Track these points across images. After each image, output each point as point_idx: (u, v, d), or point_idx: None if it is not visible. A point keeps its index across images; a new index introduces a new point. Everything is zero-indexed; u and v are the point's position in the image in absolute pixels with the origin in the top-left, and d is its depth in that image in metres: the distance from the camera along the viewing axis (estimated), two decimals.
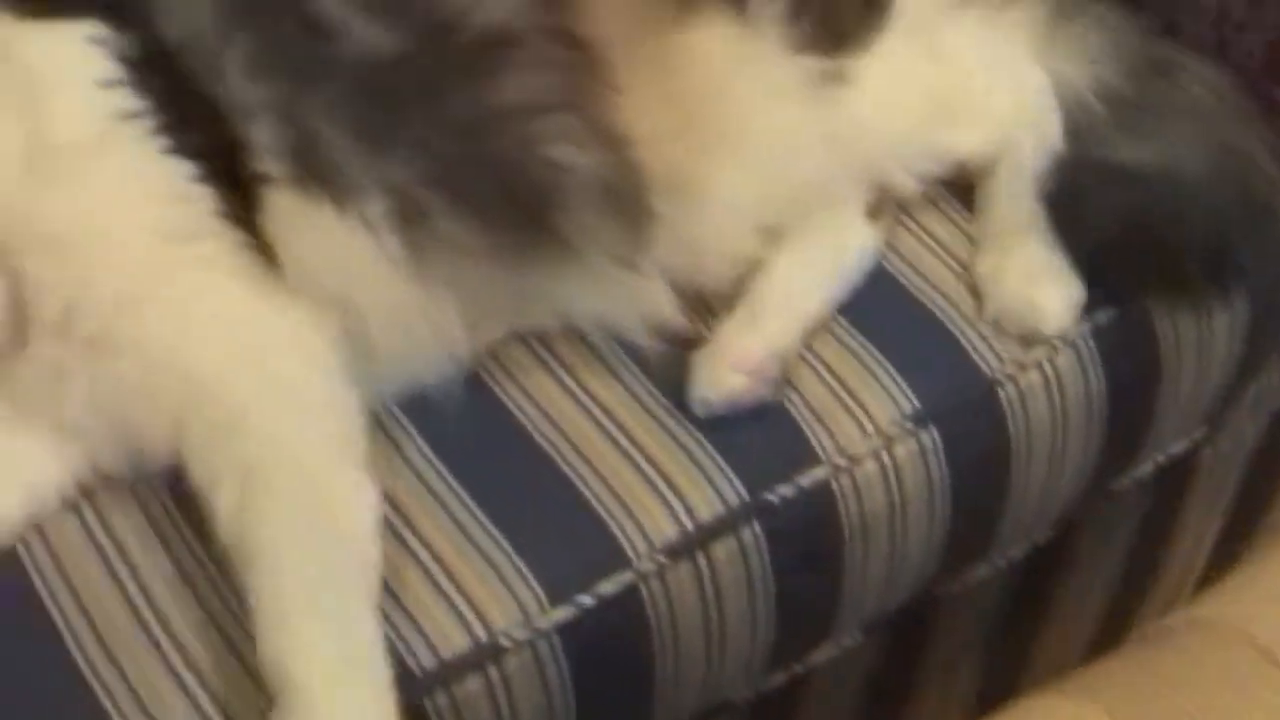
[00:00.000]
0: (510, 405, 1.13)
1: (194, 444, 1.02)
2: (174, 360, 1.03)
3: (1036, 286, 1.19)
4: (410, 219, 1.07)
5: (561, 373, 1.14)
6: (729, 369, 1.12)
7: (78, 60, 1.06)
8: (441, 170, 1.07)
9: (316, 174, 1.07)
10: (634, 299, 1.13)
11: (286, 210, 1.07)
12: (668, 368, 1.14)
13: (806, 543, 1.13)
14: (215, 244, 1.05)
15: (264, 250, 1.06)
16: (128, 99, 1.06)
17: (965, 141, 1.24)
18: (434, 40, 1.08)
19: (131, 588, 1.04)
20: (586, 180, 1.09)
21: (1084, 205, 1.19)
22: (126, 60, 1.07)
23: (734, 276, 1.16)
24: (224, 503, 1.00)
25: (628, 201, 1.10)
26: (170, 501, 1.06)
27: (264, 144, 1.07)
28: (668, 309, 1.13)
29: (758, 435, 1.12)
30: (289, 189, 1.07)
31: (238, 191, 1.07)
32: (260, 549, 0.99)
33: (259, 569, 0.99)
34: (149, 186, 1.05)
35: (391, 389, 1.11)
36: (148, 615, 1.03)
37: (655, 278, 1.12)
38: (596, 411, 1.12)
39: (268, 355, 1.05)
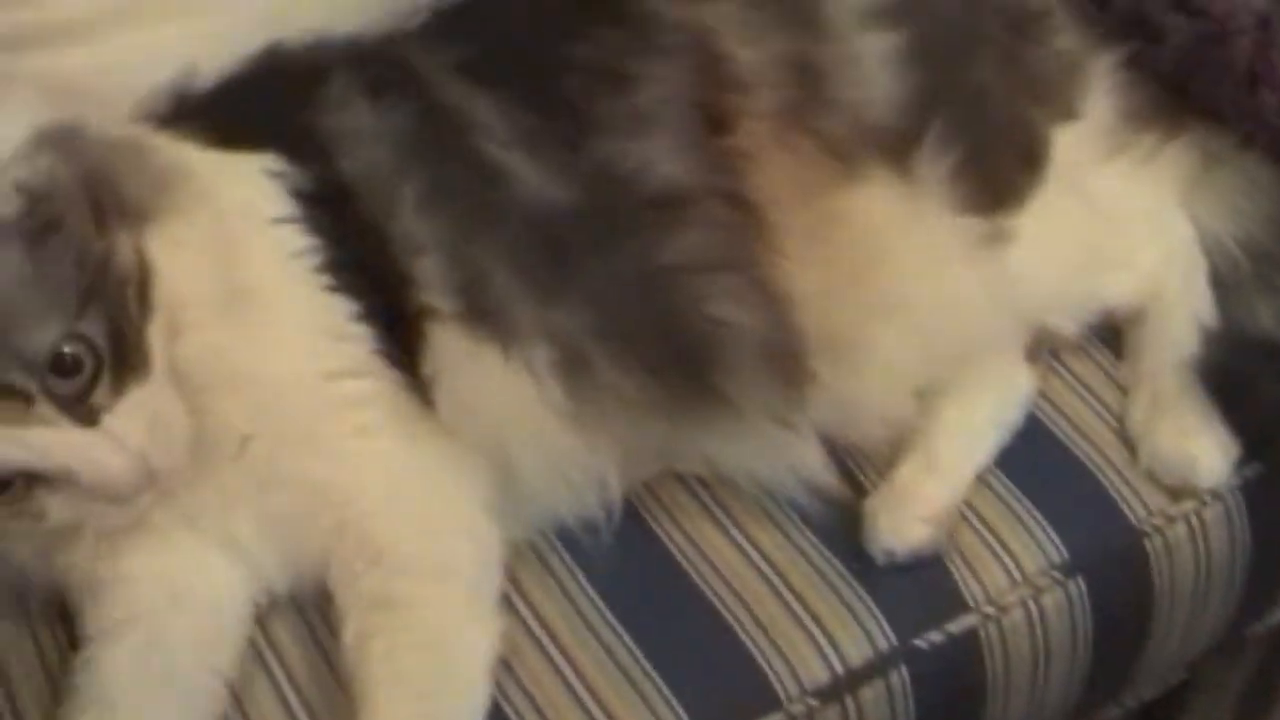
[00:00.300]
0: (665, 539, 1.16)
1: (337, 572, 1.07)
2: (327, 495, 1.08)
3: (1192, 440, 1.20)
4: (574, 369, 1.10)
5: (716, 509, 1.17)
6: (915, 519, 1.15)
7: (260, 199, 1.10)
8: (608, 323, 1.10)
9: (483, 313, 1.10)
10: (788, 457, 1.15)
11: (450, 348, 1.10)
12: (820, 508, 1.17)
13: (951, 689, 1.15)
14: (375, 383, 1.09)
15: (421, 388, 1.10)
16: (299, 236, 1.10)
17: (1117, 289, 1.26)
18: (606, 195, 1.11)
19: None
20: (748, 339, 1.11)
21: (1237, 383, 1.20)
22: (300, 194, 1.11)
23: (888, 436, 1.19)
24: (350, 630, 1.06)
25: (787, 361, 1.12)
26: None
27: (432, 280, 1.10)
28: (820, 467, 1.16)
29: (908, 581, 1.15)
30: (454, 326, 1.10)
31: (400, 328, 1.11)
32: (373, 682, 1.04)
33: (367, 703, 1.03)
34: (316, 326, 1.09)
35: (537, 525, 1.14)
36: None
37: (809, 437, 1.15)
38: (749, 549, 1.15)
39: (415, 496, 1.09)
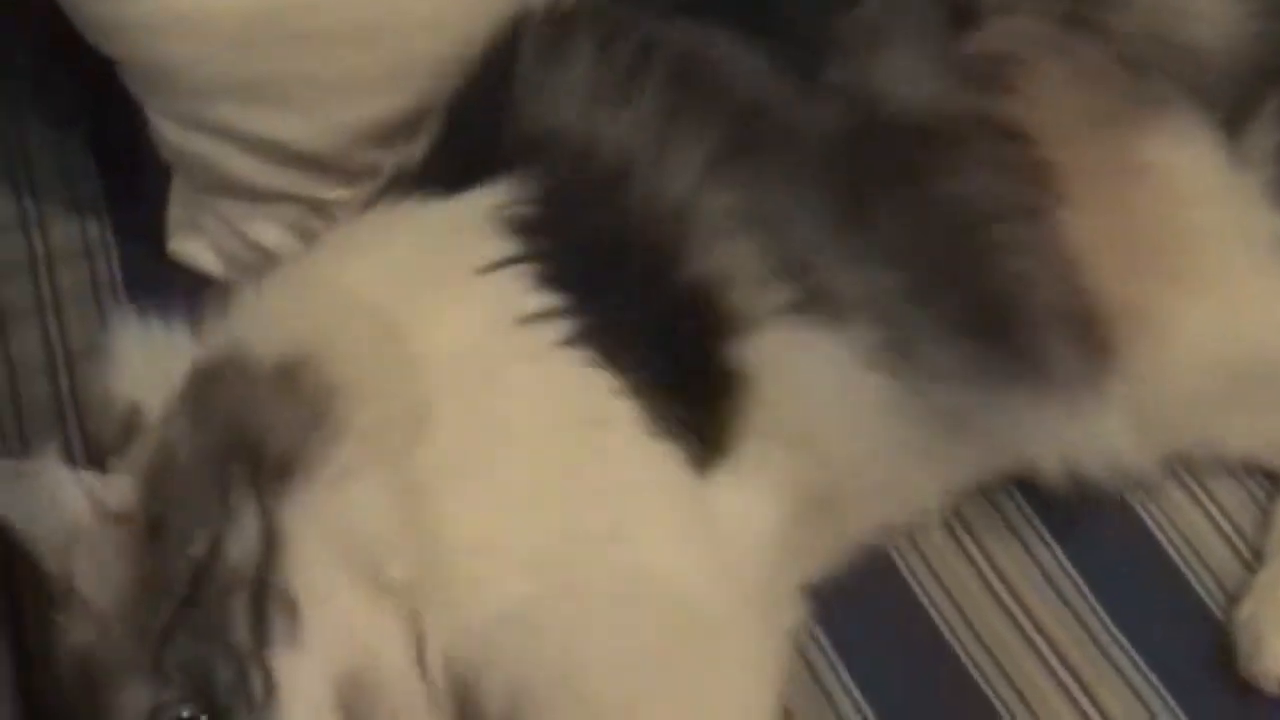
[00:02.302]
0: (945, 630, 0.99)
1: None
2: None
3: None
4: (900, 348, 0.93)
5: (1008, 598, 1.00)
6: None
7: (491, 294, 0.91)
8: (918, 281, 0.94)
9: (808, 291, 0.93)
10: (1096, 434, 0.98)
11: (772, 357, 0.92)
12: (1121, 591, 0.99)
13: None
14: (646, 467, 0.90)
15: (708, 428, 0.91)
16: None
17: None
18: (867, 125, 0.96)
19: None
20: (1045, 297, 0.96)
21: None
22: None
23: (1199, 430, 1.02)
24: None
25: (1088, 325, 0.97)
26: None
27: (747, 265, 0.92)
28: (1129, 449, 0.99)
29: (1223, 691, 0.96)
30: (778, 325, 0.92)
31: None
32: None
33: None
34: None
35: (835, 559, 0.97)
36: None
37: (1117, 414, 0.98)
38: (1043, 645, 0.98)
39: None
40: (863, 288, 0.94)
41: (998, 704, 0.95)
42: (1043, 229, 0.96)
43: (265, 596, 0.81)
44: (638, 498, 0.89)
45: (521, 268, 0.91)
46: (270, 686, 0.80)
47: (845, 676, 0.96)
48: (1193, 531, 1.02)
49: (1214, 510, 1.03)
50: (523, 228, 0.92)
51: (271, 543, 0.82)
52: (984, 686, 0.96)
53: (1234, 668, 0.96)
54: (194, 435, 0.85)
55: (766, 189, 0.94)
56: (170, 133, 1.08)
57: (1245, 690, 0.95)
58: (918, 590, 0.99)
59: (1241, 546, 1.01)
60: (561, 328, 0.89)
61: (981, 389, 0.96)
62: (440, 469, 0.85)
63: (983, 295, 0.96)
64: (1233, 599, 0.98)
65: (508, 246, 0.91)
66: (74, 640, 0.83)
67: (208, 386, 0.86)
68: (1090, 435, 0.98)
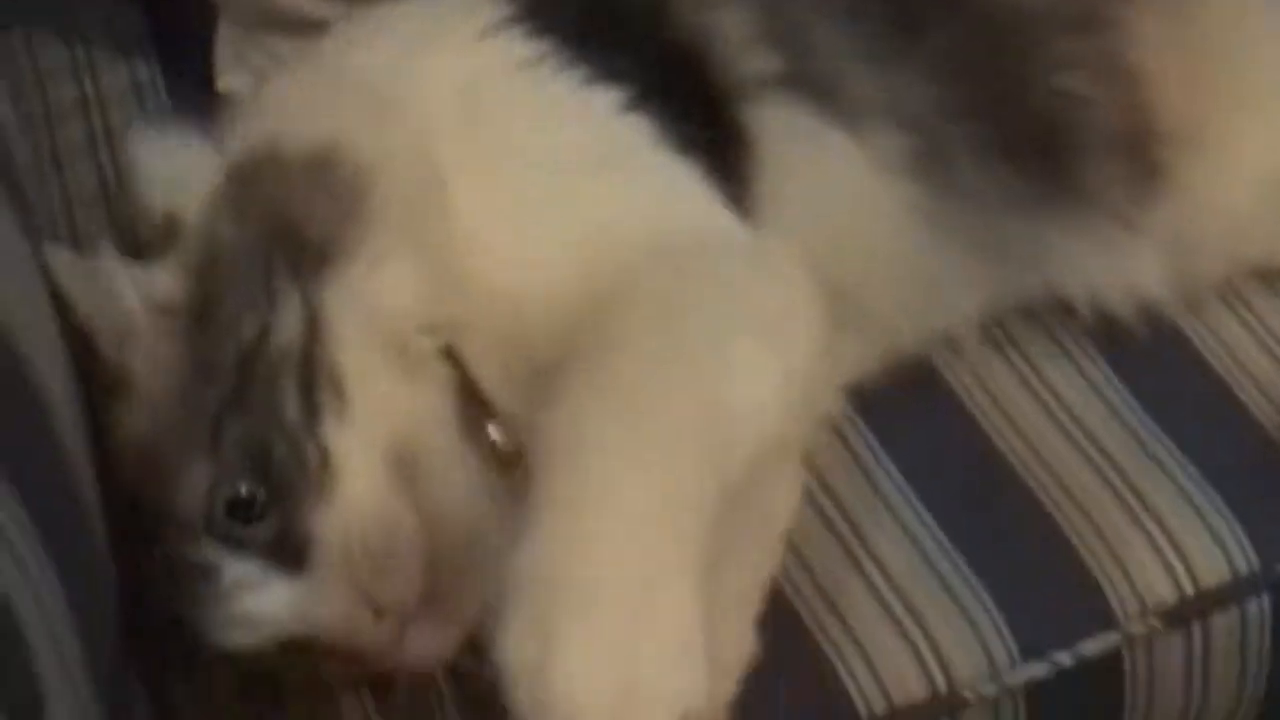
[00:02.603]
0: (996, 438, 0.98)
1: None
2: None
3: None
4: (934, 159, 0.93)
5: (1056, 407, 1.00)
6: None
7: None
8: (957, 96, 0.94)
9: (813, 79, 0.92)
10: (1128, 268, 0.99)
11: (781, 130, 0.92)
12: (1167, 401, 1.00)
13: None
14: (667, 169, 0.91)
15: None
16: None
17: None
18: None
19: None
20: (1099, 117, 0.96)
21: None
22: None
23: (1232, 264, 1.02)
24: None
25: (1139, 146, 0.97)
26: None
27: (739, 33, 0.92)
28: (1158, 283, 0.99)
29: (1278, 498, 0.96)
30: (782, 99, 0.92)
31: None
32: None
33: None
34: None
35: (868, 367, 0.97)
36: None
37: (1152, 245, 0.98)
38: (1094, 453, 0.98)
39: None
40: (888, 94, 0.93)
41: (1046, 501, 0.95)
42: (1106, 41, 0.96)
43: (312, 376, 0.83)
44: (661, 183, 0.90)
45: (517, 27, 0.92)
46: (325, 459, 0.82)
47: (890, 466, 0.96)
48: (1236, 344, 1.02)
49: (1255, 324, 1.03)
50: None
51: (314, 326, 0.84)
52: (1031, 485, 0.96)
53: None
54: (235, 228, 0.86)
55: None
56: None
57: None
58: (964, 398, 0.99)
59: None
60: (560, 66, 0.90)
61: (1016, 214, 0.96)
62: (463, 229, 0.87)
63: (1030, 116, 0.96)
64: (1277, 407, 0.99)
65: (504, 10, 0.92)
66: (131, 429, 0.84)
67: (245, 183, 0.87)
68: (1121, 270, 0.99)
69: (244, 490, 0.81)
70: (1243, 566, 0.94)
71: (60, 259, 0.85)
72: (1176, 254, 1.00)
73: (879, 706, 0.89)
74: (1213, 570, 0.94)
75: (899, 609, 0.92)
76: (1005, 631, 0.91)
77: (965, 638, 0.91)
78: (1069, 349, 1.02)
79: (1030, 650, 0.91)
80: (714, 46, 0.92)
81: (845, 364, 0.96)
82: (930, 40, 0.95)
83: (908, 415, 0.98)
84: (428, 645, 0.82)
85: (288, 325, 0.83)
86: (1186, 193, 0.98)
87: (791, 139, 0.92)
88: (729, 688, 0.86)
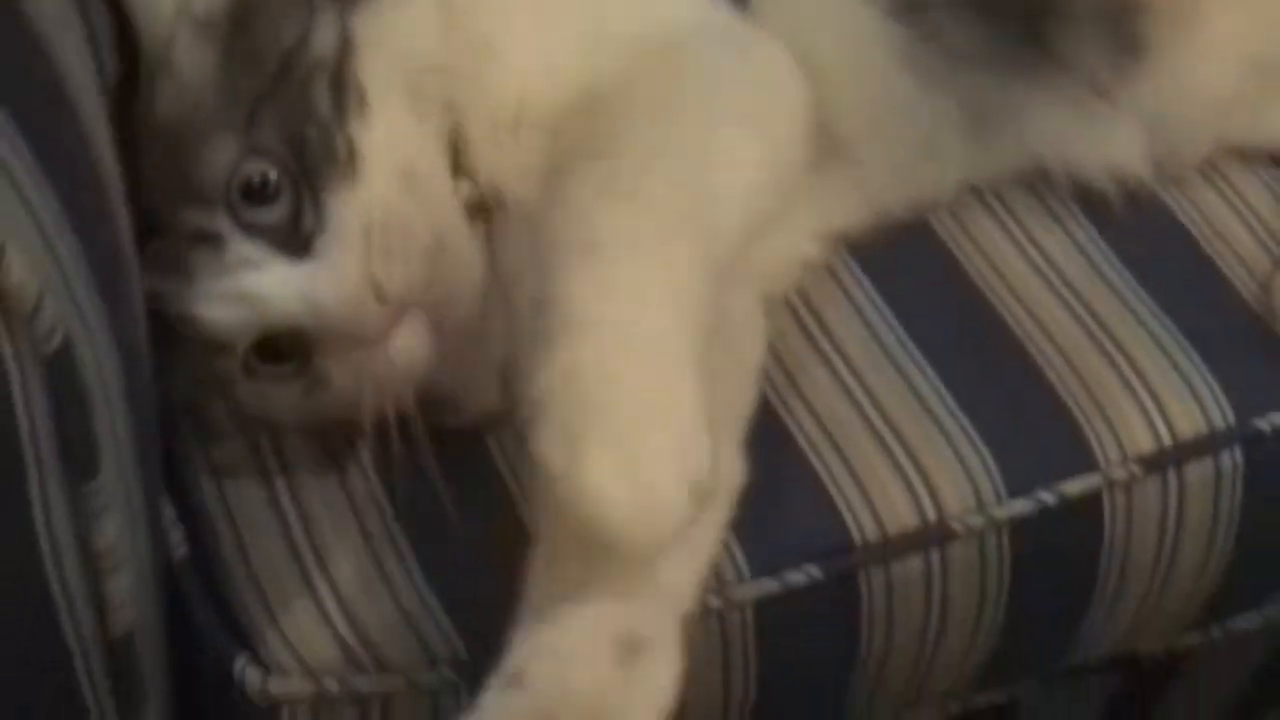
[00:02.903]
0: (985, 289, 1.02)
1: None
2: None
3: None
4: (913, 8, 0.97)
5: (1043, 265, 1.03)
6: None
7: None
8: None
9: None
10: (1107, 141, 1.03)
11: None
12: (1150, 266, 1.04)
13: None
14: None
15: None
16: None
17: None
18: None
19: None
20: None
21: None
22: None
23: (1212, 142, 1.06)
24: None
25: (1119, 17, 1.00)
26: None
27: None
28: (1136, 159, 1.03)
29: (1253, 358, 1.01)
30: None
31: None
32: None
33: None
34: None
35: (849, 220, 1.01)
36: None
37: (1131, 121, 1.02)
38: (1079, 308, 1.01)
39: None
40: None
41: (1033, 349, 0.99)
42: None
43: (343, 84, 0.88)
44: None
45: None
46: (351, 151, 0.87)
47: (884, 309, 1.00)
48: (1215, 216, 1.06)
49: (1234, 198, 1.07)
50: None
51: (347, 45, 0.89)
52: (1019, 334, 0.99)
53: (1255, 328, 1.01)
54: None
55: None
56: None
57: (1271, 347, 1.01)
58: (955, 250, 1.03)
59: (1261, 233, 1.06)
60: None
61: (995, 73, 1.00)
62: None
63: None
64: (1256, 276, 1.03)
65: None
66: (166, 107, 0.88)
67: None
68: (1100, 143, 1.03)
69: (266, 172, 0.85)
70: (1218, 420, 0.98)
71: None
72: (1156, 131, 1.04)
73: (872, 533, 0.93)
74: (1189, 422, 0.98)
75: (891, 440, 0.95)
76: (993, 468, 0.95)
77: (954, 472, 0.95)
78: (1056, 212, 1.05)
79: (1016, 487, 0.95)
80: None
81: (833, 210, 1.00)
82: None
83: (901, 263, 1.02)
84: (416, 341, 0.86)
85: (324, 39, 0.89)
86: (1167, 69, 1.02)
87: None
88: (725, 510, 0.89)
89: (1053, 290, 1.02)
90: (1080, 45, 1.01)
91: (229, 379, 0.88)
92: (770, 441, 0.93)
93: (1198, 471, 0.98)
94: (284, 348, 0.87)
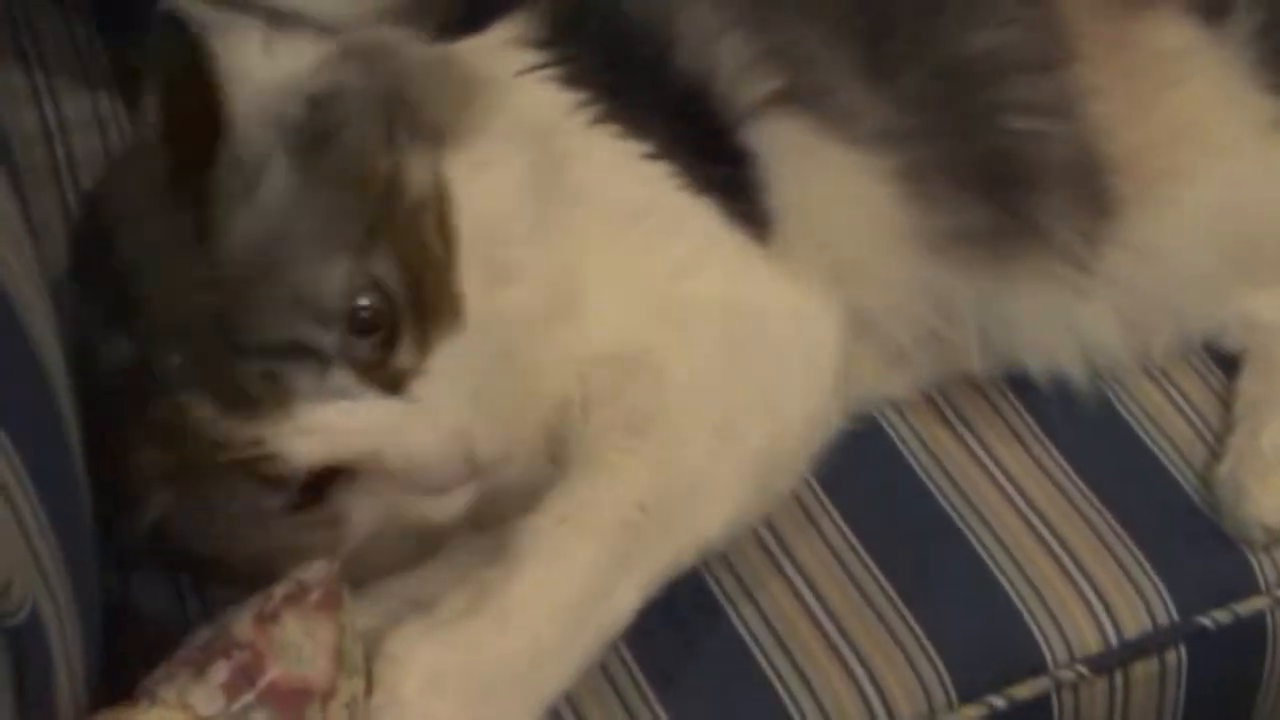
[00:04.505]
0: (921, 474, 1.05)
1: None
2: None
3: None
4: (914, 179, 1.00)
5: (989, 462, 1.06)
6: None
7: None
8: (929, 123, 1.01)
9: (810, 90, 0.99)
10: (1081, 320, 1.06)
11: (785, 141, 0.99)
12: (1093, 462, 1.06)
13: (1227, 676, 1.04)
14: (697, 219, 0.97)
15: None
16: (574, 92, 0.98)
17: None
18: None
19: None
20: (1055, 154, 1.03)
21: None
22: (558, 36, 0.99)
23: (1186, 329, 1.10)
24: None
25: (1093, 185, 1.04)
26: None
27: (739, 59, 0.99)
28: (1113, 341, 1.07)
29: (1196, 554, 1.03)
30: (783, 112, 0.99)
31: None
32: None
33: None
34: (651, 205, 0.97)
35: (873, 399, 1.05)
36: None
37: (1105, 301, 1.06)
38: (1022, 505, 1.04)
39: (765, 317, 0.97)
40: (875, 107, 1.00)
41: (986, 558, 1.01)
42: (1059, 84, 1.03)
43: (446, 229, 0.87)
44: (697, 233, 0.97)
45: (547, 72, 0.97)
46: (459, 300, 0.87)
47: (833, 512, 1.02)
48: (1157, 411, 1.09)
49: (1177, 396, 1.10)
50: (540, 44, 0.99)
51: (441, 189, 0.88)
52: (968, 535, 1.02)
53: (1196, 523, 1.04)
54: (359, 77, 0.89)
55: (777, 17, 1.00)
56: None
57: (1211, 543, 1.04)
58: (907, 455, 1.05)
59: (1199, 424, 1.09)
60: (598, 117, 0.96)
61: (984, 245, 1.03)
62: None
63: (992, 150, 1.03)
64: (1196, 471, 1.06)
65: (533, 57, 0.98)
66: (246, 229, 0.84)
67: (364, 54, 0.91)
68: (1075, 323, 1.06)
69: (377, 305, 0.84)
70: (1162, 618, 1.01)
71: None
72: (1129, 311, 1.07)
73: None
74: (1135, 621, 1.00)
75: (843, 646, 0.96)
76: (944, 675, 0.96)
77: (906, 678, 0.96)
78: (999, 406, 1.08)
79: (967, 693, 0.97)
80: (717, 77, 0.99)
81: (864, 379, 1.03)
82: (902, 73, 1.02)
83: (852, 465, 1.03)
84: (464, 503, 0.86)
85: (421, 180, 0.88)
86: (1137, 235, 1.05)
87: (794, 146, 0.99)
88: None
89: (998, 487, 1.04)
90: (1053, 218, 1.03)
91: (263, 518, 0.86)
92: (722, 652, 0.96)
93: (1143, 670, 1.00)
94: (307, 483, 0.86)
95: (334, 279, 0.83)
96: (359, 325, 0.84)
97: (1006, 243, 1.03)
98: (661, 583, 0.88)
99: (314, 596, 0.81)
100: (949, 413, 1.08)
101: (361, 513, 0.86)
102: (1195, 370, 1.11)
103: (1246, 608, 1.02)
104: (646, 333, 0.93)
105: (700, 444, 0.90)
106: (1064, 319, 1.05)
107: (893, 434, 1.06)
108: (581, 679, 0.87)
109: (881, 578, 0.99)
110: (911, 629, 0.98)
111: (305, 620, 0.80)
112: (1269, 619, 1.03)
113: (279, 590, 0.81)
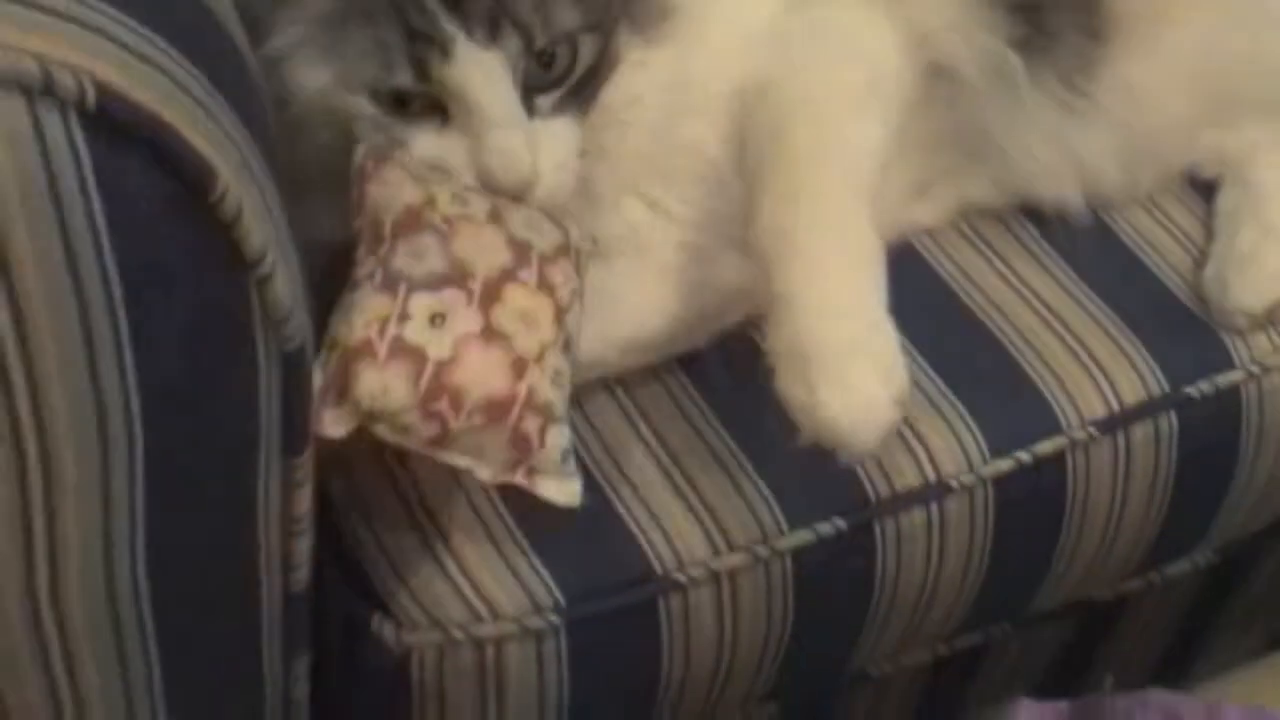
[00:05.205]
0: (959, 293, 1.23)
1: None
2: None
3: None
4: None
5: (1007, 272, 1.24)
6: (1269, 277, 1.22)
7: None
8: None
9: None
10: (1081, 148, 1.22)
11: None
12: (1096, 272, 1.25)
13: (1209, 442, 1.22)
14: None
15: None
16: None
17: None
18: None
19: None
20: None
21: None
22: None
23: (1168, 164, 1.27)
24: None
25: (1087, 8, 1.20)
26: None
27: None
28: (1109, 170, 1.24)
29: (1182, 339, 1.22)
30: None
31: None
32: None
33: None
34: None
35: None
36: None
37: (1100, 132, 1.22)
38: (1036, 304, 1.22)
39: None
40: None
41: (1005, 343, 1.20)
42: None
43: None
44: None
45: None
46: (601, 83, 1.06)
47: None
48: (1147, 231, 1.29)
49: (1164, 219, 1.30)
50: None
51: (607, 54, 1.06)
52: (994, 330, 1.20)
53: (1183, 315, 1.23)
54: None
55: None
56: None
57: (1195, 330, 1.23)
58: (939, 270, 1.24)
59: (1184, 240, 1.28)
60: None
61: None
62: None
63: None
64: (1183, 276, 1.26)
65: None
66: None
67: None
68: (1075, 150, 1.23)
69: (564, 52, 1.03)
70: (1155, 388, 1.20)
71: None
72: (1120, 144, 1.24)
73: (883, 490, 1.14)
74: (1133, 391, 1.20)
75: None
76: (978, 433, 1.16)
77: (948, 436, 1.15)
78: (1016, 231, 1.27)
79: (997, 448, 1.16)
80: None
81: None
82: None
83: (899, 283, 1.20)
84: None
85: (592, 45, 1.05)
86: (1123, 69, 1.22)
87: None
88: None
89: (1015, 291, 1.23)
90: (1063, 25, 1.20)
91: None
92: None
93: (1141, 432, 1.19)
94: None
95: (559, 22, 1.01)
96: (545, 59, 1.02)
97: (1026, 54, 1.18)
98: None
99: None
100: (974, 237, 1.26)
101: (422, 148, 1.01)
102: (1179, 199, 1.31)
103: (1225, 380, 1.22)
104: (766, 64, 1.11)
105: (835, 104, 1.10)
106: (1066, 145, 1.22)
107: (928, 256, 1.25)
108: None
109: (921, 360, 1.18)
110: (946, 397, 1.17)
111: None
112: (1243, 390, 1.22)
113: None
